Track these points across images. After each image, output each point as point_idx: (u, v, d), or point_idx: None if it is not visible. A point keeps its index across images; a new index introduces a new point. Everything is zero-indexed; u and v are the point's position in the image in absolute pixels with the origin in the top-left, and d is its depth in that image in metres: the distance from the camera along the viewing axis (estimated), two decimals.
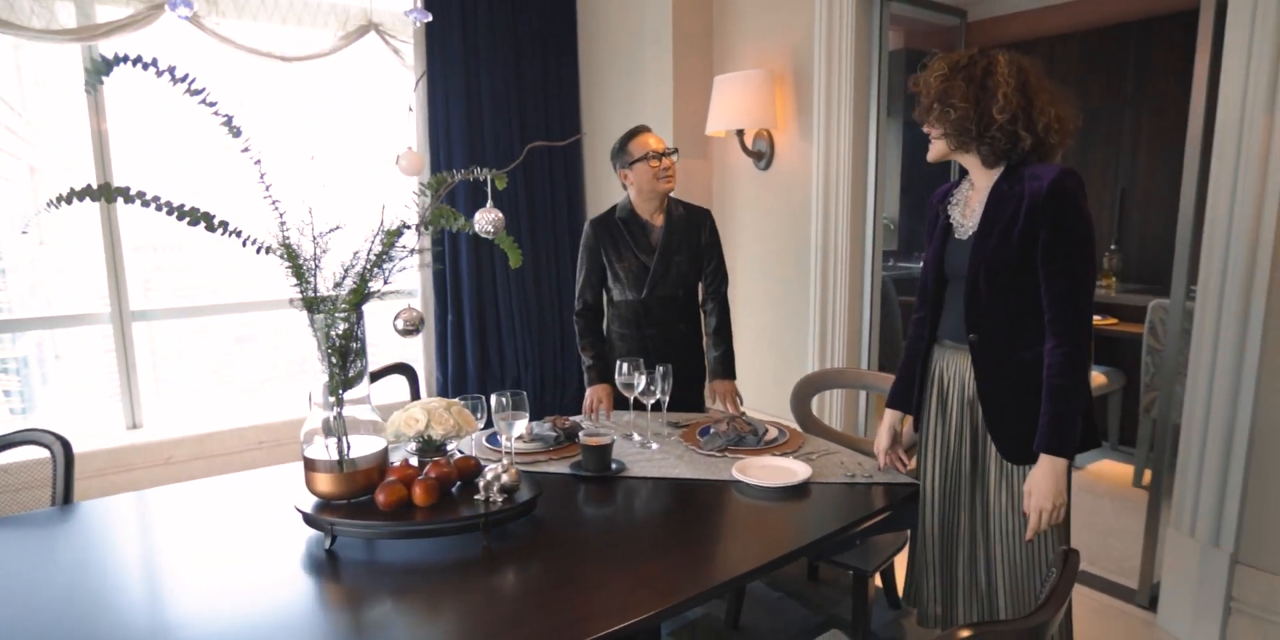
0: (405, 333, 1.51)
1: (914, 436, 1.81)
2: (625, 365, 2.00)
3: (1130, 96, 4.25)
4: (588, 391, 2.37)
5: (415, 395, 2.53)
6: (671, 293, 2.35)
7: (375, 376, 2.40)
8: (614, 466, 1.81)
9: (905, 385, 1.77)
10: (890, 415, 1.81)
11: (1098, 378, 3.59)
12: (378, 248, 1.42)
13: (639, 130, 2.32)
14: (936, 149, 1.59)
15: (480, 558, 1.41)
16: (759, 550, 1.44)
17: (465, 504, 1.48)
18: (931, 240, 1.69)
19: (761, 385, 3.56)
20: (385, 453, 1.52)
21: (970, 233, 1.57)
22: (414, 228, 1.47)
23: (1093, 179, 4.47)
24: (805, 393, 2.47)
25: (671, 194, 2.38)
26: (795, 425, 2.43)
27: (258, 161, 1.36)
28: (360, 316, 1.45)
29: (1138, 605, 2.39)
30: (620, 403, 2.33)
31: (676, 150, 2.31)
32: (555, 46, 3.86)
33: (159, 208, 1.31)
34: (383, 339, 3.79)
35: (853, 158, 2.99)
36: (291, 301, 1.41)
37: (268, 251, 1.41)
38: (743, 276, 3.58)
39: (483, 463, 1.62)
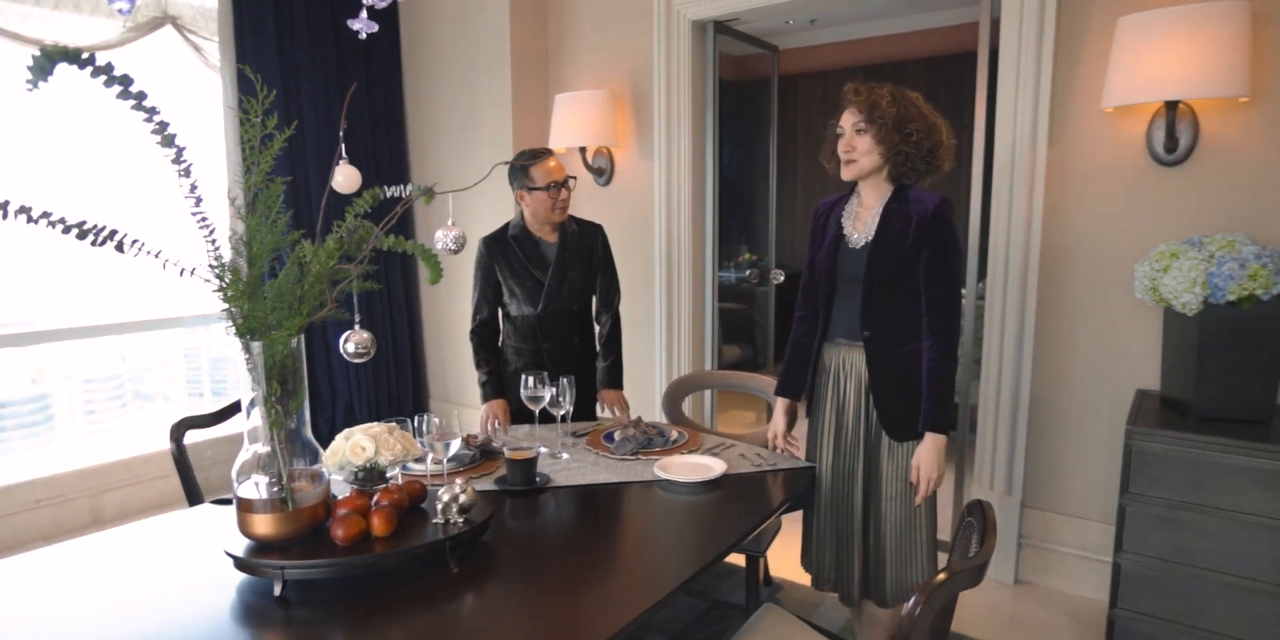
0: (356, 356, 1.43)
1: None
2: (530, 378, 2.03)
3: None
4: (483, 407, 2.37)
5: None
6: (566, 307, 2.41)
7: (227, 413, 2.18)
8: (538, 479, 1.84)
9: (795, 375, 2.00)
10: (783, 403, 2.05)
11: None
12: (322, 266, 1.34)
13: (543, 154, 2.32)
14: (866, 167, 1.76)
15: (447, 583, 1.38)
16: (711, 541, 1.56)
17: (420, 528, 1.44)
18: (819, 245, 1.91)
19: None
20: (328, 487, 1.43)
21: (864, 243, 1.81)
22: (367, 250, 1.40)
23: None
24: (677, 394, 2.64)
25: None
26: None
27: (185, 170, 1.23)
28: (301, 341, 1.36)
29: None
30: (521, 417, 2.35)
31: (573, 178, 2.36)
32: (381, 59, 3.71)
33: (62, 228, 1.14)
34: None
35: (693, 175, 3.24)
36: (226, 330, 1.28)
37: (191, 273, 1.27)
38: None
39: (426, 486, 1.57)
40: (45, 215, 1.10)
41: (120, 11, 1.10)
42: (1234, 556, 1.92)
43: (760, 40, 3.71)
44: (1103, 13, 2.30)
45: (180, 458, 1.98)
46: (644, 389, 3.46)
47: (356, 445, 1.44)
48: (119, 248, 1.19)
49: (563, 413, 2.03)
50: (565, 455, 2.04)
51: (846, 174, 1.80)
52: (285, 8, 3.34)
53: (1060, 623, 2.41)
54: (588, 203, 3.59)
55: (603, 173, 3.48)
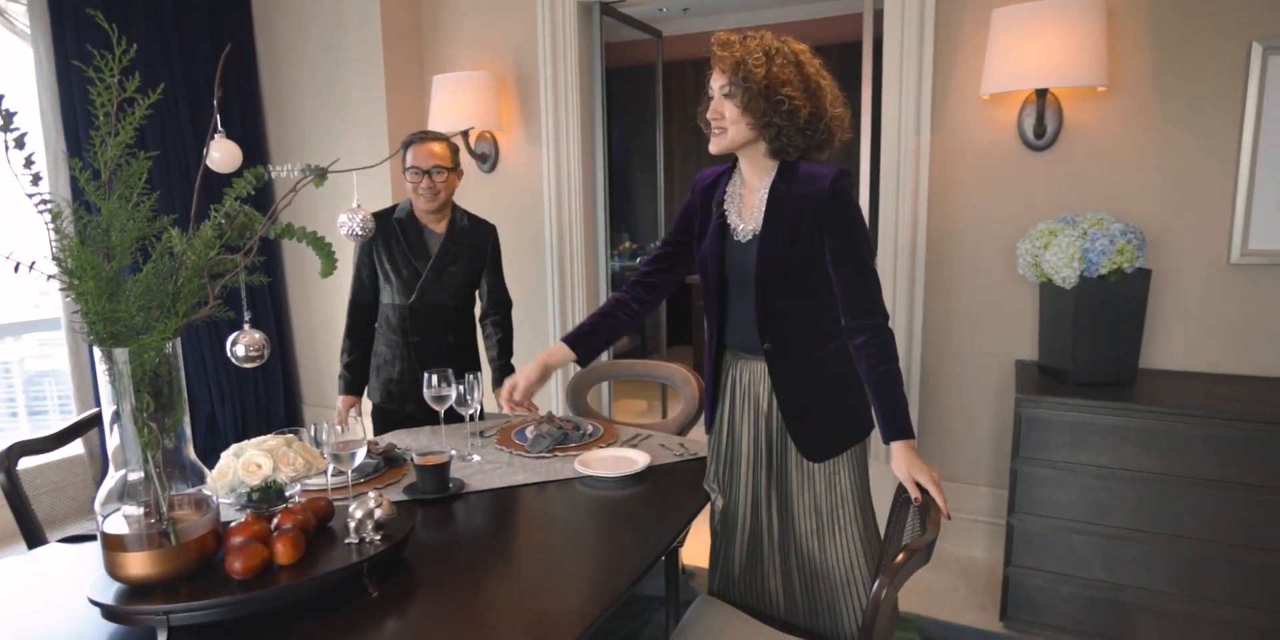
0: (248, 360, 1.23)
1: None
2: (434, 377, 1.88)
3: None
4: (339, 402, 2.26)
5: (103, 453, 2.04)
6: (440, 301, 2.27)
7: (76, 430, 1.88)
8: (451, 484, 1.70)
9: (586, 334, 1.69)
10: (558, 349, 1.68)
11: None
12: (198, 260, 1.15)
13: (428, 138, 2.20)
14: (736, 139, 1.46)
15: (367, 610, 1.23)
16: (647, 538, 1.49)
17: (331, 551, 1.28)
18: (694, 229, 1.62)
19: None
20: (217, 513, 1.24)
21: (752, 235, 1.51)
22: (256, 238, 1.22)
23: None
24: (582, 387, 2.56)
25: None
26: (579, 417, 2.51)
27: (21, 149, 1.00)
28: (178, 346, 1.16)
29: None
30: (416, 420, 2.20)
31: (442, 168, 2.18)
32: (230, 25, 3.34)
33: None
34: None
35: (582, 161, 3.15)
36: (78, 329, 1.07)
37: (29, 268, 1.05)
38: None
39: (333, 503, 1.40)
40: None
41: None
42: (1107, 509, 2.08)
43: (645, 25, 3.66)
44: (979, 5, 2.42)
45: (13, 490, 1.68)
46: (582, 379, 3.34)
47: (250, 462, 1.26)
48: None
49: (470, 412, 1.89)
50: (476, 457, 1.91)
51: (713, 146, 1.49)
52: None
53: (956, 584, 2.55)
54: (472, 190, 3.41)
55: (486, 159, 3.32)
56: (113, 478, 1.15)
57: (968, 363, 2.63)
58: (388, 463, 1.79)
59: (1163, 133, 2.26)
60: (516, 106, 3.24)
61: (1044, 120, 2.36)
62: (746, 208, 1.54)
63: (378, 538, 1.30)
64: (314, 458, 1.34)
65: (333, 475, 1.70)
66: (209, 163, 1.17)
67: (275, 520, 1.26)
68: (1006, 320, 2.55)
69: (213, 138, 1.18)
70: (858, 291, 1.47)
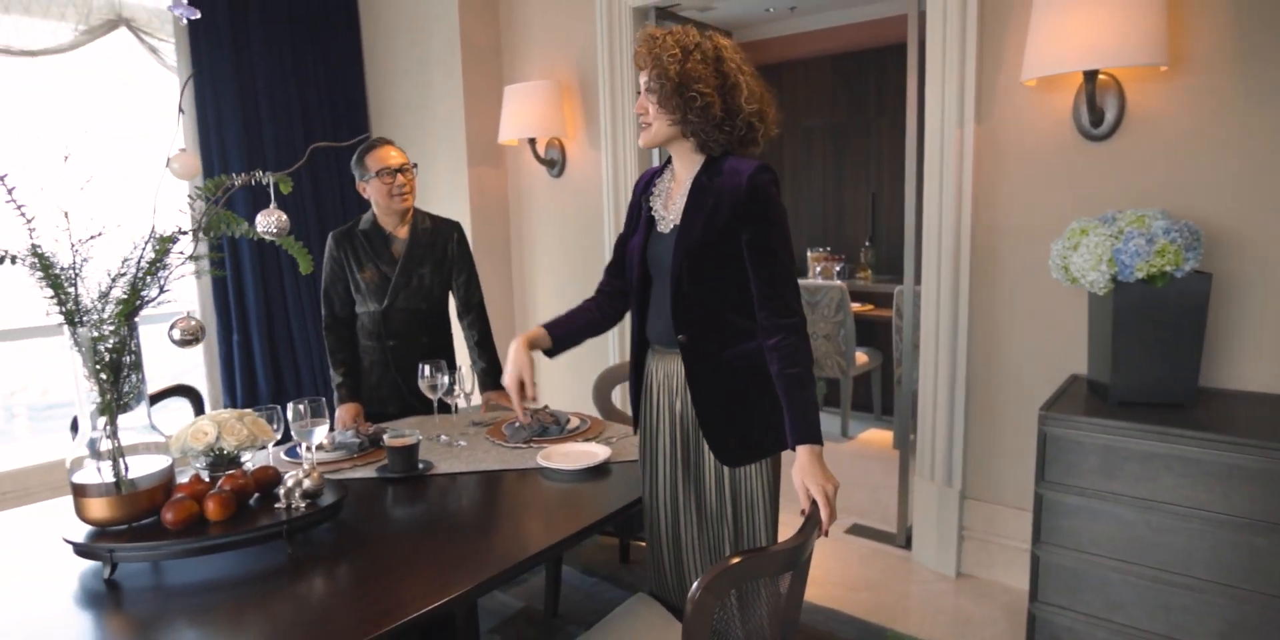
0: (183, 343, 1.44)
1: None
2: (428, 368, 2.03)
3: (874, 114, 4.90)
4: (338, 411, 2.32)
5: None
6: (414, 305, 2.36)
7: (153, 400, 2.21)
8: (421, 466, 1.83)
9: (563, 321, 1.68)
10: (537, 333, 1.62)
11: (861, 357, 4.10)
12: (150, 254, 1.35)
13: (377, 143, 2.30)
14: (659, 134, 1.46)
15: (285, 566, 1.38)
16: (564, 526, 1.54)
17: (265, 514, 1.44)
18: (633, 229, 1.62)
19: (564, 382, 3.68)
20: (171, 471, 1.44)
21: (672, 226, 1.50)
22: (190, 233, 1.41)
23: (848, 185, 5.10)
24: (605, 386, 2.62)
25: (419, 205, 2.41)
26: (599, 415, 2.57)
27: None
28: (134, 329, 1.37)
29: (897, 546, 2.80)
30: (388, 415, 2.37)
31: (414, 165, 2.31)
32: (339, 50, 3.74)
33: None
34: (163, 364, 3.46)
35: (639, 164, 3.21)
36: (48, 313, 1.30)
37: (13, 261, 1.29)
38: (541, 277, 3.69)
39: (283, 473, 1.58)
40: None
41: None
42: (1147, 547, 1.83)
43: (710, 27, 3.65)
44: None
45: None
46: (591, 379, 3.43)
47: (199, 430, 1.45)
48: None
49: (456, 400, 2.02)
50: (463, 443, 2.03)
51: (641, 140, 1.50)
52: (239, 7, 3.38)
53: (994, 617, 2.33)
54: (541, 193, 3.58)
55: (554, 164, 3.47)
56: (84, 437, 1.38)
57: (1017, 375, 2.39)
58: (373, 443, 1.96)
59: (1240, 117, 1.94)
60: (580, 113, 3.36)
61: (1098, 105, 2.10)
62: (672, 200, 1.54)
63: (303, 505, 1.45)
64: (262, 431, 1.52)
65: (324, 452, 1.90)
66: (170, 172, 1.37)
67: (219, 482, 1.45)
68: (1061, 329, 2.29)
69: (175, 152, 1.38)
70: (769, 289, 1.44)
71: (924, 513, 2.63)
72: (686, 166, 1.53)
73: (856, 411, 4.43)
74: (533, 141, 3.38)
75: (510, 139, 3.37)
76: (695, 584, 1.07)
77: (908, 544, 2.76)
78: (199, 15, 1.26)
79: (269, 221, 1.43)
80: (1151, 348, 1.88)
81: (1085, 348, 2.24)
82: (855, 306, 4.21)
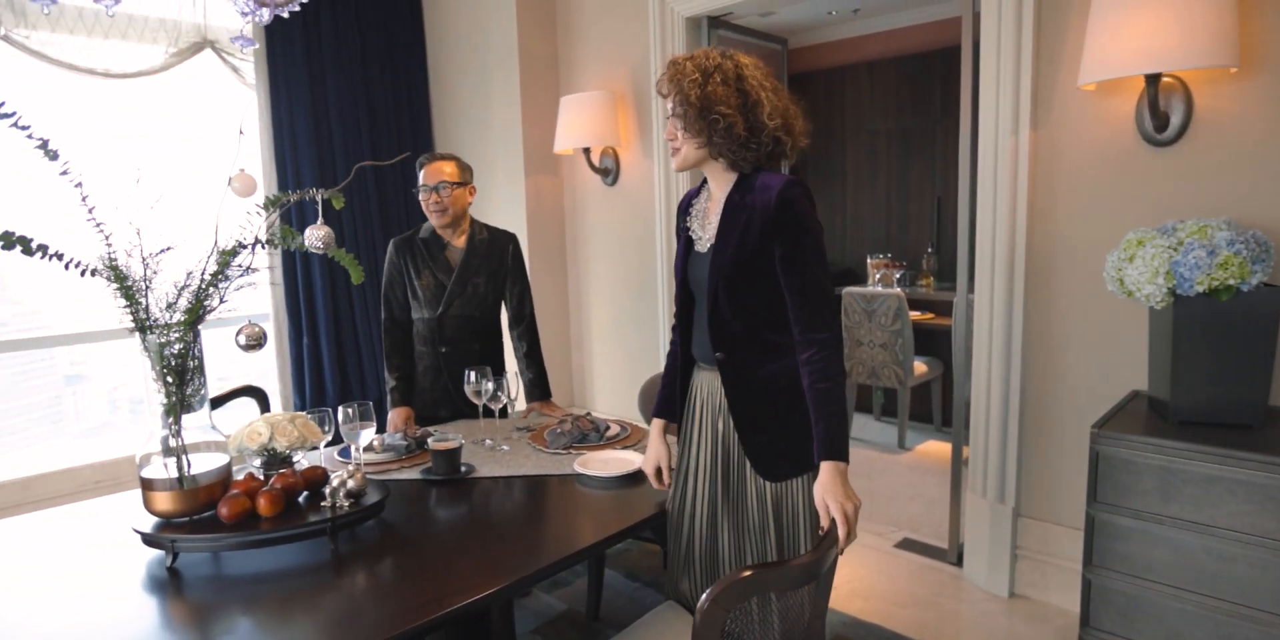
0: (247, 348, 1.54)
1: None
2: (473, 374, 2.10)
3: (939, 116, 4.78)
4: (390, 414, 2.40)
5: None
6: (467, 312, 2.42)
7: (223, 400, 2.37)
8: (463, 469, 1.90)
9: (666, 398, 1.74)
10: (658, 425, 1.74)
11: (920, 367, 4.01)
12: (212, 267, 1.46)
13: (428, 159, 2.38)
14: (689, 158, 1.51)
15: (330, 561, 1.47)
16: (595, 531, 1.58)
17: (312, 511, 1.53)
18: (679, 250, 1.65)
19: (615, 388, 3.74)
20: (228, 468, 1.55)
21: (709, 245, 1.53)
22: (250, 247, 1.51)
23: (912, 190, 4.99)
24: (651, 393, 2.64)
25: (476, 215, 2.48)
26: (644, 424, 2.61)
27: (78, 184, 1.37)
28: (196, 336, 1.48)
29: (948, 563, 2.72)
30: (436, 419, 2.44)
31: (448, 184, 2.33)
32: (405, 64, 3.90)
33: None
34: (239, 365, 3.68)
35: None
36: (120, 321, 1.42)
37: (93, 273, 1.41)
38: (595, 284, 3.75)
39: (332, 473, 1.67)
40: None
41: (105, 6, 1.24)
42: (1209, 576, 1.74)
43: (768, 35, 3.64)
44: None
45: None
46: (654, 386, 3.47)
47: (253, 431, 1.55)
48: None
49: (499, 406, 2.08)
50: (505, 447, 2.10)
51: (674, 164, 1.55)
52: (313, 26, 3.57)
53: None
54: (596, 202, 3.64)
55: (608, 173, 3.52)
56: (153, 435, 1.50)
57: (1075, 388, 2.30)
58: (419, 446, 2.04)
59: None
60: (634, 122, 3.40)
61: (1162, 110, 2.01)
62: (708, 220, 1.57)
63: (346, 504, 1.53)
64: (310, 432, 1.61)
65: (373, 454, 1.99)
66: (231, 190, 1.48)
67: (271, 480, 1.55)
68: (1122, 343, 2.20)
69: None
70: (803, 304, 1.45)
71: (976, 529, 2.56)
72: (720, 185, 1.56)
73: (916, 422, 4.33)
74: (587, 151, 3.44)
75: (566, 148, 3.44)
76: (704, 595, 1.09)
77: (959, 561, 2.68)
78: (257, 45, 1.34)
79: (316, 236, 1.52)
80: (1215, 365, 1.79)
81: (1147, 362, 2.14)
82: (915, 315, 4.11)
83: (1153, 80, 1.96)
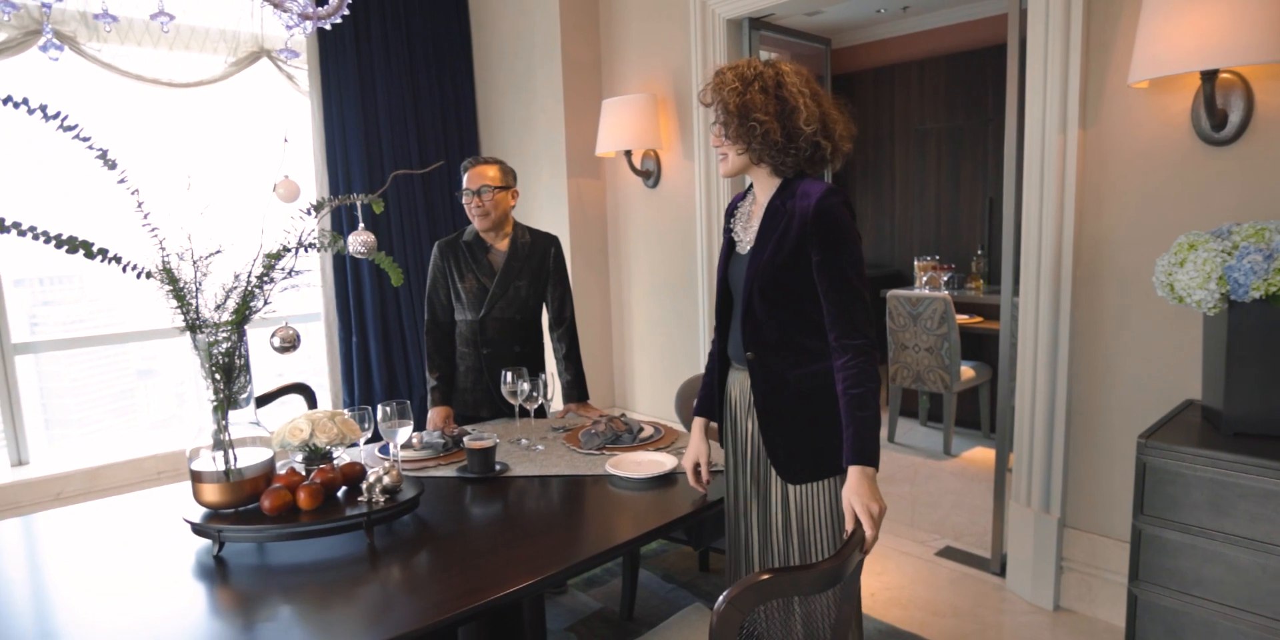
0: (281, 350, 1.61)
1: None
2: (509, 374, 2.14)
3: (990, 115, 4.67)
4: (430, 413, 2.45)
5: None
6: (509, 315, 2.45)
7: (271, 397, 2.46)
8: (498, 467, 1.94)
9: (706, 397, 1.77)
10: (699, 423, 1.76)
11: (967, 372, 3.92)
12: (258, 270, 1.52)
13: (472, 163, 2.41)
14: (734, 164, 1.54)
15: (365, 554, 1.52)
16: (623, 531, 1.60)
17: (350, 506, 1.59)
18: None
19: (655, 389, 3.75)
20: (271, 462, 1.61)
21: (749, 248, 1.57)
22: (293, 250, 1.57)
23: (964, 190, 4.88)
24: (688, 395, 2.65)
25: (519, 217, 2.49)
26: (680, 426, 2.61)
27: (134, 191, 1.44)
28: (243, 335, 1.55)
29: (990, 572, 2.66)
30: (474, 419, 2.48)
31: (490, 188, 2.36)
32: (451, 69, 3.98)
33: (35, 237, 1.38)
34: (294, 363, 3.81)
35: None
36: (173, 321, 1.49)
37: (147, 276, 1.49)
38: (636, 285, 3.77)
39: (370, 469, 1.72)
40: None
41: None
42: (1265, 595, 1.66)
43: (811, 35, 3.61)
44: None
45: None
46: (691, 388, 3.47)
47: (295, 427, 1.61)
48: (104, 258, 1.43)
49: (537, 406, 2.11)
50: (541, 447, 2.13)
51: (721, 170, 1.59)
52: (364, 35, 3.68)
53: None
54: (637, 204, 3.66)
55: (650, 175, 3.54)
56: (202, 430, 1.57)
57: (1125, 395, 2.23)
58: (456, 444, 2.09)
59: None
60: (675, 125, 3.41)
61: (1219, 107, 1.93)
62: (750, 223, 1.62)
63: (382, 500, 1.58)
64: (350, 429, 1.66)
65: (412, 451, 2.04)
66: (276, 196, 1.54)
67: (311, 475, 1.60)
68: (1174, 349, 2.11)
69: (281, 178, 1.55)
70: (838, 310, 1.47)
71: (1020, 540, 2.49)
72: (764, 190, 1.59)
73: (963, 428, 4.23)
74: (629, 153, 3.47)
75: (608, 151, 3.47)
76: (721, 597, 1.09)
77: (1002, 571, 2.62)
78: (300, 55, 1.40)
79: (358, 241, 1.57)
80: (1272, 374, 1.71)
81: (1200, 371, 2.06)
82: (964, 318, 4.02)
83: (1209, 77, 1.89)
